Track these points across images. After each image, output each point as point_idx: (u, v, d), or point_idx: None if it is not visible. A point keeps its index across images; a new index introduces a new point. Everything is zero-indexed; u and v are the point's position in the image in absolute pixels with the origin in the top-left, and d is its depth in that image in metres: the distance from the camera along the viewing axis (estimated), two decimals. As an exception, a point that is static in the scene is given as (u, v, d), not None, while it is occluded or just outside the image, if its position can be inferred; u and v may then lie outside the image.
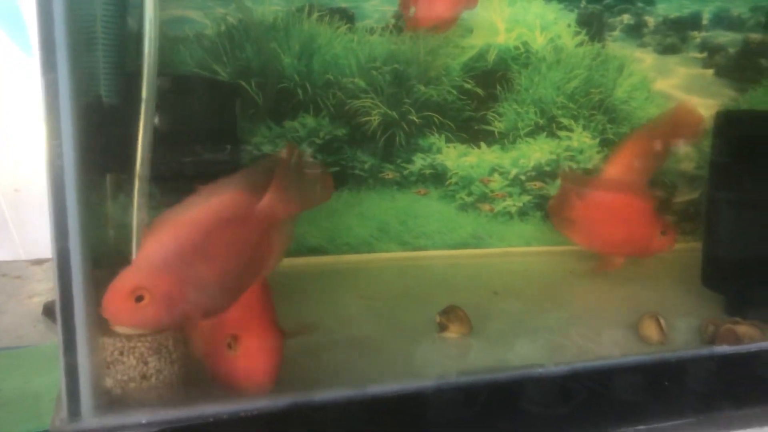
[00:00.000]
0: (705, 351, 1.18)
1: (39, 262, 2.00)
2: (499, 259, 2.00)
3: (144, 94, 1.08)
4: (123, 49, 1.55)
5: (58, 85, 0.91)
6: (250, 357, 1.02)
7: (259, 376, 1.01)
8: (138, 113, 1.18)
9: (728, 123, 1.63)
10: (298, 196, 1.16)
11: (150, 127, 1.12)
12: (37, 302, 1.64)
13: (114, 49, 1.54)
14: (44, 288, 1.77)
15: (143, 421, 0.91)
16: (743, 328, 1.32)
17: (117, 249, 1.43)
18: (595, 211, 1.72)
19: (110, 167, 1.49)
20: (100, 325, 0.97)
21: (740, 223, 1.55)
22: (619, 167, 1.73)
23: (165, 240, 0.96)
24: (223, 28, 1.71)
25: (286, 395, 0.95)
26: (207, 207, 1.01)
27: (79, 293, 0.90)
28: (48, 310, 1.57)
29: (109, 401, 0.96)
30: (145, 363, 0.99)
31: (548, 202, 1.91)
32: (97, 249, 1.34)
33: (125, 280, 0.92)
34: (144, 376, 0.99)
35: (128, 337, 0.99)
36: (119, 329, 1.00)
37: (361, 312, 1.58)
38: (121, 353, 0.98)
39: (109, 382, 0.98)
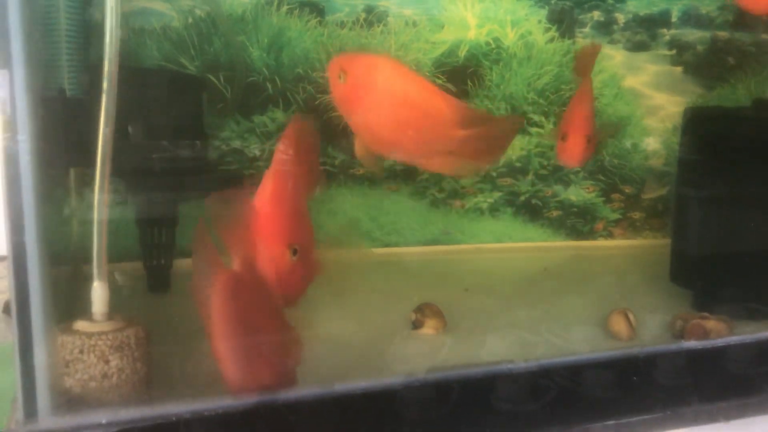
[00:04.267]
0: (673, 346, 1.18)
1: (3, 258, 1.94)
2: (471, 256, 1.99)
3: (105, 85, 1.05)
4: (88, 41, 1.52)
5: (13, 73, 0.88)
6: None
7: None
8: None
9: (695, 120, 1.64)
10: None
11: (111, 119, 1.08)
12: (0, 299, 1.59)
13: (78, 40, 1.51)
14: (6, 285, 1.72)
15: (103, 421, 0.88)
16: (711, 323, 1.33)
17: (80, 245, 1.40)
18: None
19: (74, 162, 1.46)
20: (59, 322, 0.94)
21: (707, 220, 1.56)
22: None
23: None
24: (190, 20, 1.68)
25: (250, 394, 0.93)
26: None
27: (35, 288, 0.87)
28: (8, 308, 1.52)
29: (67, 401, 0.93)
30: (106, 361, 0.96)
31: None
32: (57, 244, 1.31)
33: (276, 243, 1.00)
34: (105, 375, 0.96)
35: (88, 335, 0.96)
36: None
37: (331, 308, 1.56)
38: (81, 351, 0.95)
39: (68, 381, 0.95)
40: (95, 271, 1.00)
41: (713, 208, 1.58)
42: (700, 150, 1.62)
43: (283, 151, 1.15)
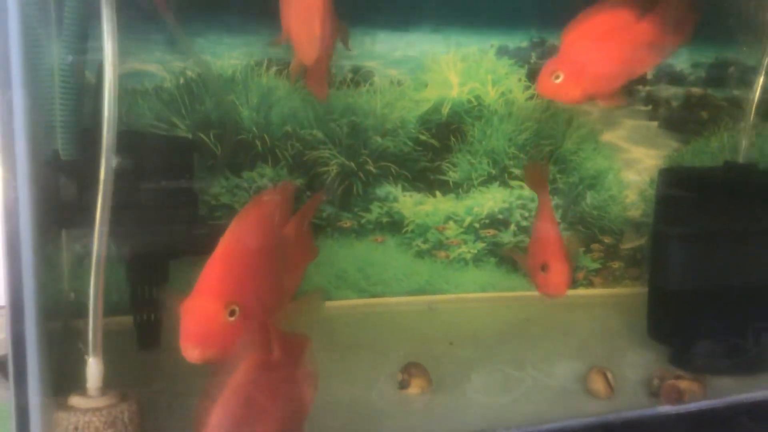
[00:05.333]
0: (648, 412, 1.23)
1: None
2: (455, 305, 2.04)
3: (104, 145, 1.10)
4: (81, 103, 1.56)
5: (14, 136, 0.92)
6: None
7: None
8: (94, 169, 1.19)
9: (668, 179, 1.70)
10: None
11: (110, 182, 1.13)
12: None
13: (72, 103, 1.55)
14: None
15: (98, 499, 0.91)
16: (685, 384, 1.37)
17: (70, 310, 1.42)
18: None
19: (66, 223, 1.50)
20: (55, 401, 0.97)
21: (682, 280, 1.62)
22: None
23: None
24: (182, 81, 1.73)
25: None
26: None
27: (32, 347, 0.90)
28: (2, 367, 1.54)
29: (63, 478, 0.96)
30: (100, 436, 0.99)
31: None
32: (51, 299, 1.34)
33: (208, 303, 0.97)
34: (99, 450, 0.99)
35: (83, 411, 0.99)
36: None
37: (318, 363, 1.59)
38: (76, 428, 0.98)
39: (63, 457, 0.98)
40: (90, 347, 1.03)
41: (687, 266, 1.63)
42: (674, 211, 1.67)
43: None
